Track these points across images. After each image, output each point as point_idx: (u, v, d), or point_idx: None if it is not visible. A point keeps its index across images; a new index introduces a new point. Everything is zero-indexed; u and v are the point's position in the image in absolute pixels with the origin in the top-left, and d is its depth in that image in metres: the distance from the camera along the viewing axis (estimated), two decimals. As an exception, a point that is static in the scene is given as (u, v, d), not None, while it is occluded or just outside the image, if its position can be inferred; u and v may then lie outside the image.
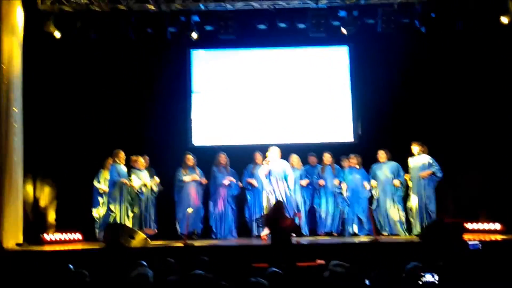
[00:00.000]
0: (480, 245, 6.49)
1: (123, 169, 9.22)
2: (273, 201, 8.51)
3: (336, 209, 9.56)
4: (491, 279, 4.29)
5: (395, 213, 9.30)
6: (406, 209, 9.29)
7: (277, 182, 8.89)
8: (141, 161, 9.34)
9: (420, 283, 3.42)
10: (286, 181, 8.94)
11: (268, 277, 4.17)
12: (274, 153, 9.02)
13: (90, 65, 10.29)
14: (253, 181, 9.50)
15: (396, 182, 9.30)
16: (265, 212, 8.46)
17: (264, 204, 9.08)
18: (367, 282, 4.40)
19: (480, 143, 9.62)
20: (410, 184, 9.23)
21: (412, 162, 9.26)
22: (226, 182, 9.52)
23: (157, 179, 9.46)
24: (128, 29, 9.45)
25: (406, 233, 9.17)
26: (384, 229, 9.30)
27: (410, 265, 3.95)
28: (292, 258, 6.83)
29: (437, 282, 3.40)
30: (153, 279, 4.34)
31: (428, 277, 3.44)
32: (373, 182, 9.40)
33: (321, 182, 9.55)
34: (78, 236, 9.49)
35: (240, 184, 9.69)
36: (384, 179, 9.39)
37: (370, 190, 9.46)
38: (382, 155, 9.46)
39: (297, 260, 6.96)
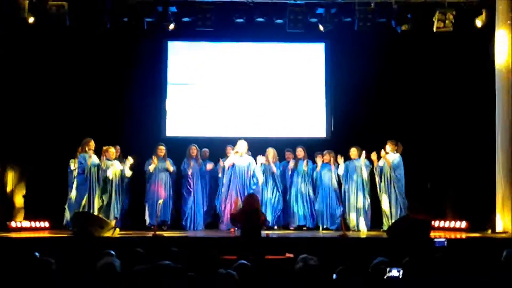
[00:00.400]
0: (446, 242, 6.62)
1: (93, 158, 9.11)
2: (231, 195, 8.57)
3: (307, 204, 9.62)
4: (455, 274, 4.36)
5: (361, 206, 9.39)
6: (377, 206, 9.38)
7: (241, 175, 8.92)
8: (112, 151, 9.24)
9: (385, 278, 3.47)
10: (254, 176, 9.00)
11: (236, 269, 4.18)
12: (241, 147, 9.04)
13: (64, 52, 10.14)
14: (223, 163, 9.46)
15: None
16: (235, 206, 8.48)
17: (224, 197, 9.07)
18: (334, 276, 4.45)
19: (450, 142, 9.80)
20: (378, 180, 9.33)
21: (383, 160, 9.34)
22: (189, 171, 9.48)
23: (130, 159, 9.32)
24: (104, 17, 9.31)
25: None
26: (353, 224, 9.38)
27: (376, 260, 4.01)
28: (261, 251, 6.85)
29: (401, 277, 3.46)
30: (120, 268, 4.31)
31: (394, 272, 3.49)
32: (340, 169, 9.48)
33: (291, 163, 9.57)
34: (45, 224, 9.37)
35: (210, 166, 9.68)
36: (356, 176, 9.46)
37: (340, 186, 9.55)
38: (354, 152, 9.54)
39: (266, 253, 7.00)
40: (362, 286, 3.54)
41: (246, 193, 8.59)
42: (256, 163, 9.19)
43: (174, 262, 4.58)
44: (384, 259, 4.15)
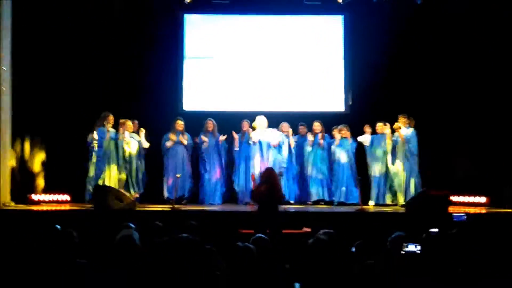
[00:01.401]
0: (465, 217, 6.58)
1: (111, 131, 9.17)
2: (258, 170, 8.59)
3: (324, 178, 9.61)
4: (474, 251, 4.35)
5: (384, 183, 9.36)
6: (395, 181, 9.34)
7: (266, 151, 8.92)
8: (129, 124, 9.29)
9: (403, 253, 3.47)
10: (280, 150, 9.01)
11: (254, 242, 4.21)
12: (261, 123, 9.01)
13: (81, 26, 10.09)
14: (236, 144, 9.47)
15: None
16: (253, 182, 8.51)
17: (255, 172, 9.09)
18: (352, 250, 4.47)
19: (470, 118, 9.66)
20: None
21: (397, 134, 9.27)
22: (222, 138, 9.51)
23: (143, 130, 9.37)
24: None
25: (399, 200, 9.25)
26: (373, 198, 9.37)
27: (394, 235, 4.00)
28: (278, 225, 6.89)
29: (419, 252, 3.45)
30: (139, 241, 4.37)
31: (411, 247, 3.49)
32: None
33: (309, 137, 9.55)
34: (66, 197, 9.49)
35: (222, 137, 9.63)
36: (379, 151, 9.41)
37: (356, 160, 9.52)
38: (380, 126, 9.46)
39: (283, 228, 7.04)
40: (380, 260, 3.55)
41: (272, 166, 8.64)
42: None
43: (192, 235, 4.63)
44: (402, 233, 4.15)
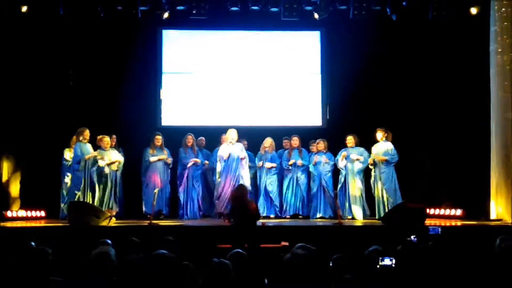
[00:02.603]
0: (440, 230, 6.65)
1: (88, 147, 9.10)
2: (227, 183, 8.64)
3: (302, 192, 9.64)
4: (448, 263, 4.39)
5: (358, 196, 9.40)
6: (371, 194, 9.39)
7: (234, 164, 8.91)
8: (107, 140, 9.21)
9: (378, 266, 3.49)
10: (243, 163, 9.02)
11: (231, 257, 4.20)
12: (232, 135, 9.00)
13: (58, 42, 10.06)
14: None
15: (354, 156, 9.35)
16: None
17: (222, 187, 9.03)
18: (330, 264, 4.47)
19: (445, 130, 9.81)
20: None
21: (375, 148, 9.36)
22: (190, 163, 9.48)
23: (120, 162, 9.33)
24: (98, 6, 9.25)
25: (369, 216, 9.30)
26: (348, 212, 9.40)
27: (370, 249, 4.02)
28: (256, 240, 6.88)
29: (393, 266, 3.48)
30: (115, 257, 4.32)
31: (386, 261, 3.51)
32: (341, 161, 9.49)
33: (291, 162, 9.59)
34: (41, 213, 9.37)
35: (206, 163, 9.64)
36: (351, 164, 9.46)
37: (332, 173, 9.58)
38: (350, 140, 9.53)
39: (261, 242, 7.03)
40: (356, 275, 3.56)
41: (238, 180, 8.62)
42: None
43: (169, 251, 4.60)
44: (378, 247, 4.17)
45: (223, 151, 8.97)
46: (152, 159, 9.41)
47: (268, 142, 9.71)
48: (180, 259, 4.52)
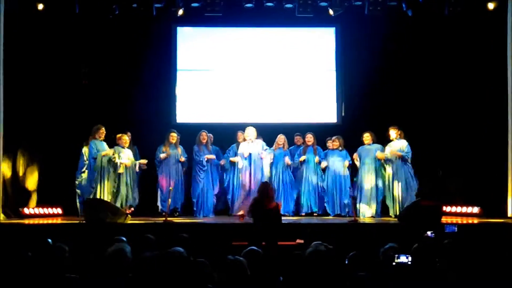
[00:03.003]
0: (456, 228, 6.58)
1: (104, 145, 9.15)
2: (248, 182, 8.68)
3: (317, 190, 9.60)
4: (465, 261, 4.34)
5: (373, 194, 9.33)
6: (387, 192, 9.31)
7: (255, 162, 8.93)
8: (125, 138, 9.25)
9: (394, 264, 3.46)
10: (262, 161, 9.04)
11: (245, 255, 4.18)
12: (250, 133, 9.02)
13: (74, 39, 10.13)
14: (235, 159, 9.46)
15: (380, 154, 9.23)
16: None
17: (246, 183, 9.07)
18: (346, 262, 4.45)
19: (461, 127, 9.71)
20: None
21: (389, 147, 9.25)
22: (205, 160, 9.50)
23: (144, 161, 9.38)
24: (113, 3, 9.30)
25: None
26: (365, 210, 9.34)
27: (386, 247, 3.99)
28: (273, 237, 6.87)
29: (410, 263, 3.44)
30: (131, 254, 4.33)
31: (402, 259, 3.48)
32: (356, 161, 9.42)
33: (302, 158, 9.56)
34: (58, 210, 9.45)
35: (222, 162, 9.67)
36: (369, 161, 9.40)
37: (350, 171, 9.51)
38: (367, 137, 9.46)
39: (278, 239, 7.01)
40: (370, 273, 3.53)
41: (258, 178, 8.64)
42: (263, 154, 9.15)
43: (184, 248, 4.60)
44: (394, 245, 4.14)
45: (243, 149, 8.99)
46: (161, 155, 9.43)
47: (282, 139, 9.68)
48: (195, 256, 4.53)
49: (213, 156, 9.56)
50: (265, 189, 7.27)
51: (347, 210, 9.38)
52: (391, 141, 9.23)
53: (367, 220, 8.79)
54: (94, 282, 4.05)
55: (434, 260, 3.68)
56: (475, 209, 8.96)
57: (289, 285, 4.64)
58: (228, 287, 3.37)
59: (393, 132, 9.23)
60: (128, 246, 4.33)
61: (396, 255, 3.47)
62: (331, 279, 3.50)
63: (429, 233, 4.73)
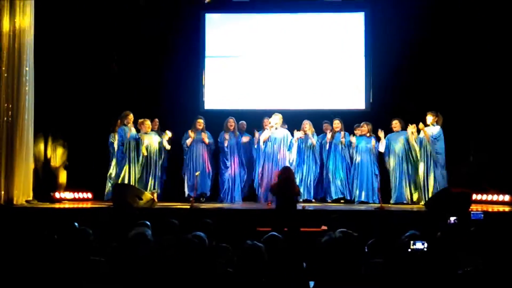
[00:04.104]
0: (483, 215, 6.43)
1: (132, 130, 9.26)
2: (268, 168, 8.67)
3: (344, 176, 9.53)
4: (489, 251, 4.25)
5: (405, 181, 9.22)
6: (417, 180, 9.18)
7: (278, 148, 8.90)
8: (148, 123, 9.34)
9: (410, 250, 3.41)
10: (289, 149, 8.99)
11: (265, 240, 4.19)
12: (276, 120, 9.00)
13: (103, 26, 10.24)
14: (265, 136, 9.41)
15: (411, 135, 9.04)
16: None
17: (260, 170, 9.06)
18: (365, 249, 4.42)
19: (494, 113, 9.47)
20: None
21: (423, 134, 9.10)
22: (244, 139, 9.59)
23: (168, 133, 9.42)
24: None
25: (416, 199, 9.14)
26: (392, 197, 9.24)
27: (407, 234, 3.93)
28: (296, 223, 6.87)
29: (425, 250, 3.39)
30: (153, 238, 4.39)
31: (418, 245, 3.43)
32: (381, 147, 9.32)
33: (328, 135, 9.49)
34: (88, 195, 9.63)
35: (246, 139, 9.67)
36: (398, 148, 9.28)
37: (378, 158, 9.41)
38: (396, 124, 9.33)
39: (301, 225, 7.01)
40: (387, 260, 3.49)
41: (281, 166, 8.60)
42: (293, 137, 9.13)
43: (208, 234, 4.64)
44: (415, 232, 4.08)
45: (265, 135, 8.99)
46: (187, 141, 9.49)
47: (307, 125, 9.62)
48: (218, 241, 4.57)
49: (248, 138, 9.59)
50: (287, 174, 7.25)
51: (374, 197, 9.27)
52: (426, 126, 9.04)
53: (394, 207, 8.68)
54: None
55: (453, 247, 3.61)
56: (506, 197, 8.75)
57: (312, 271, 4.64)
58: (244, 272, 3.37)
59: (429, 118, 9.03)
60: (149, 230, 4.39)
61: (412, 242, 3.41)
62: (348, 266, 3.47)
63: (452, 219, 4.63)
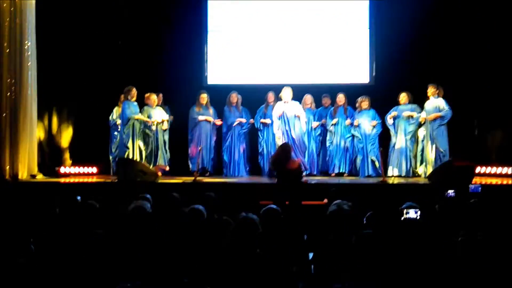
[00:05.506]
0: (480, 188, 6.44)
1: (135, 105, 9.28)
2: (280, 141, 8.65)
3: (347, 150, 9.55)
4: (490, 222, 4.28)
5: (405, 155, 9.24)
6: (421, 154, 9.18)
7: (290, 123, 8.92)
8: (154, 97, 9.36)
9: (402, 219, 3.45)
10: (299, 122, 9.00)
11: (263, 213, 4.23)
12: (287, 94, 8.99)
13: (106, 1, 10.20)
14: (267, 121, 9.48)
15: (406, 113, 9.13)
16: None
17: (277, 143, 9.10)
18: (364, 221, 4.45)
19: (496, 86, 9.40)
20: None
21: (427, 105, 9.09)
22: (235, 123, 9.55)
23: (170, 118, 9.47)
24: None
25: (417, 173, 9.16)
26: (395, 170, 9.25)
27: (404, 205, 3.97)
28: (297, 197, 6.91)
29: (418, 218, 3.41)
30: (152, 212, 4.45)
31: (411, 214, 3.45)
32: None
33: (334, 120, 9.51)
34: (93, 169, 9.71)
35: (252, 121, 9.69)
36: (403, 122, 9.24)
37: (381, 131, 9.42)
38: (403, 97, 9.29)
39: (303, 199, 7.05)
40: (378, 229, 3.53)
41: (296, 139, 8.61)
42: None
43: (210, 207, 4.70)
44: (413, 204, 4.10)
45: (277, 110, 8.98)
46: (200, 117, 9.51)
47: (309, 98, 9.60)
48: (220, 214, 4.61)
49: (244, 120, 9.59)
50: (285, 150, 7.29)
51: (376, 170, 9.28)
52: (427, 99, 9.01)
53: (396, 181, 8.70)
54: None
55: (449, 219, 3.64)
56: (510, 170, 8.74)
57: (312, 243, 4.70)
58: (238, 243, 3.41)
59: (431, 90, 9.01)
60: (148, 203, 4.45)
61: (406, 211, 3.44)
62: (344, 237, 3.52)
63: (450, 191, 4.65)
